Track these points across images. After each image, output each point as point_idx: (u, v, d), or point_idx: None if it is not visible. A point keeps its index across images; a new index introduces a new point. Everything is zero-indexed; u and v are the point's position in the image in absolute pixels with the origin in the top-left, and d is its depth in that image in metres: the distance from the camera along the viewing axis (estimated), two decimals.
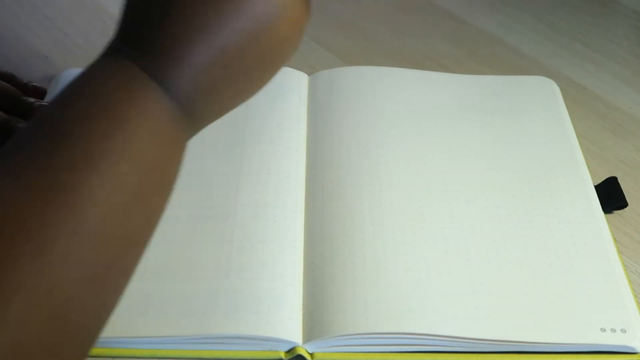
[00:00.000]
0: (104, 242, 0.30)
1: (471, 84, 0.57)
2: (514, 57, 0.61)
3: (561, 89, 0.57)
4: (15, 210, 0.29)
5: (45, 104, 0.54)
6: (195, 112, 0.35)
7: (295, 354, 0.40)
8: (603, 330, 0.40)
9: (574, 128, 0.54)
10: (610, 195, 0.49)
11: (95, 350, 0.41)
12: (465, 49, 0.61)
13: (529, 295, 0.42)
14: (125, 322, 0.40)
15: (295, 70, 0.58)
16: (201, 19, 0.34)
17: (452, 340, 0.40)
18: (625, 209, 0.49)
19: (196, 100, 0.35)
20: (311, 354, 0.41)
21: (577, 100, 0.59)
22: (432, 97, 0.56)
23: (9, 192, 0.30)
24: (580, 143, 0.52)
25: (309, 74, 0.58)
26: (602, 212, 0.47)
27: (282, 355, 0.40)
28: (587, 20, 0.69)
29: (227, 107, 0.37)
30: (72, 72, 0.58)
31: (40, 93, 0.56)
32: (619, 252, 0.46)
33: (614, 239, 0.46)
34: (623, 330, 0.40)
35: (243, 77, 0.36)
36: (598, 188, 0.49)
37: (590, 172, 0.50)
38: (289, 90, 0.56)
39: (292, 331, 0.40)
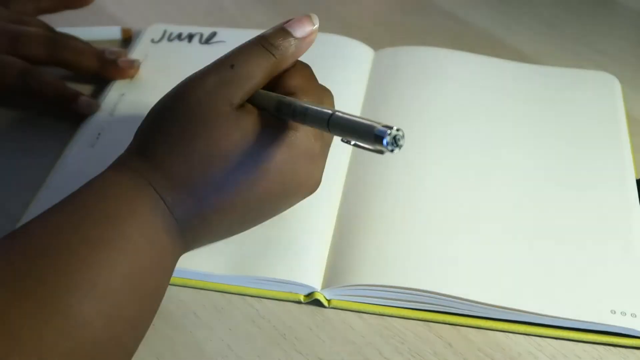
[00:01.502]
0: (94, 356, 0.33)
1: (533, 73, 0.59)
2: (514, 58, 0.61)
3: None
4: (10, 326, 0.30)
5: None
6: (191, 232, 0.39)
7: (313, 298, 0.43)
8: (613, 312, 0.41)
9: None
10: None
11: None
12: (465, 49, 0.61)
13: (547, 270, 0.43)
14: None
15: (362, 44, 0.61)
16: (211, 169, 0.38)
17: (463, 303, 0.42)
18: None
19: (194, 224, 0.39)
20: (329, 300, 0.43)
21: None
22: (491, 82, 0.57)
23: (4, 305, 0.31)
24: None
25: None
26: (638, 204, 0.48)
27: (302, 298, 0.43)
28: (587, 20, 0.69)
29: (221, 235, 0.42)
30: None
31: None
32: None
33: None
34: (633, 315, 0.41)
35: (240, 212, 0.40)
36: (639, 182, 0.50)
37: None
38: (353, 62, 0.59)
39: (313, 277, 0.43)
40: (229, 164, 0.38)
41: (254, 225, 0.43)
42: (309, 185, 0.42)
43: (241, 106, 0.39)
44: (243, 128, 0.38)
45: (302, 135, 0.39)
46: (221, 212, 0.39)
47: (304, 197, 0.43)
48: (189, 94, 0.38)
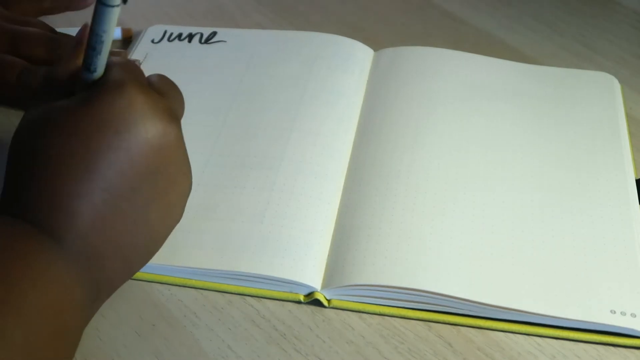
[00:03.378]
0: None
1: (533, 73, 0.59)
2: (514, 58, 0.61)
3: None
4: None
5: None
6: (95, 255, 0.35)
7: (313, 298, 0.43)
8: (613, 312, 0.41)
9: None
10: None
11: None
12: (465, 49, 0.61)
13: (547, 270, 0.43)
14: (162, 251, 0.43)
15: (362, 44, 0.61)
16: (76, 170, 0.35)
17: (463, 303, 0.42)
18: None
19: (92, 243, 0.35)
20: (329, 300, 0.43)
21: None
22: (491, 82, 0.57)
23: None
24: None
25: None
26: (637, 204, 0.48)
27: (302, 298, 0.44)
28: (587, 20, 0.69)
29: (124, 241, 0.37)
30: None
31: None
32: None
33: None
34: (633, 315, 0.41)
35: (132, 203, 0.36)
36: (639, 182, 0.50)
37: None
38: (353, 62, 0.59)
39: (313, 277, 0.44)
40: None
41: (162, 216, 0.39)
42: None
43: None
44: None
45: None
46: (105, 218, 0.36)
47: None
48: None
